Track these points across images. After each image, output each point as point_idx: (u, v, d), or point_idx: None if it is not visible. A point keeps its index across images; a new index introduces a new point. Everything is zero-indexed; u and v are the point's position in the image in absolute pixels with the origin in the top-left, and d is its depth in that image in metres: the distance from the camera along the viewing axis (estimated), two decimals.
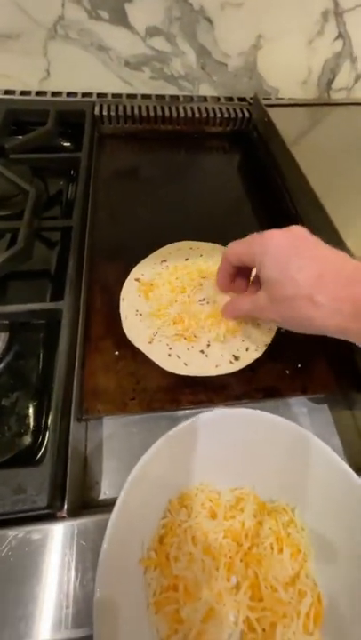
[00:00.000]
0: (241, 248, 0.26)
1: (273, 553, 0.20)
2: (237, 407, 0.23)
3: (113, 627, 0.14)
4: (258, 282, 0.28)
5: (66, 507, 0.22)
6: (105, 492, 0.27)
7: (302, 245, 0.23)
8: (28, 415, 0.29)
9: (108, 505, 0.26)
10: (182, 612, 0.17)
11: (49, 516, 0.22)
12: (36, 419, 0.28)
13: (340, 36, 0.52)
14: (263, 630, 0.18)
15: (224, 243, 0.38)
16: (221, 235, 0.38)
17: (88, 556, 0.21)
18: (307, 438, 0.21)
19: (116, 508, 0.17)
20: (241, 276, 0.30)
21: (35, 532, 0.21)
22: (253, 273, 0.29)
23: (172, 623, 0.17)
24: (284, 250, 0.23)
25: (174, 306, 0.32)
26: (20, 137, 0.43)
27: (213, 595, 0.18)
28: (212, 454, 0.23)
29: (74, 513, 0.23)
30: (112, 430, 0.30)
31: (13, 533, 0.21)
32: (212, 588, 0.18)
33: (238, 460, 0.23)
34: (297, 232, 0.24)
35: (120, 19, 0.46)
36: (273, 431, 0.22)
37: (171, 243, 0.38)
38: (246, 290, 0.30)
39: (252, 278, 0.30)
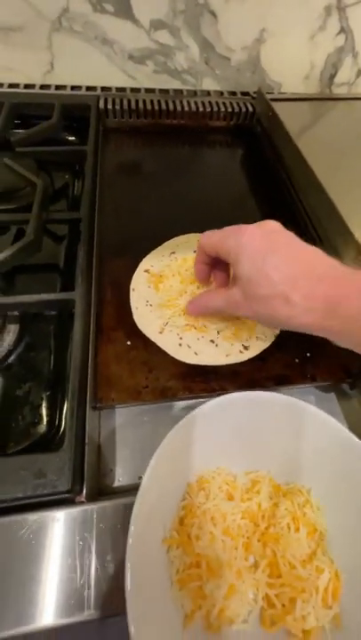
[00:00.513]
0: (216, 239, 0.26)
1: (290, 532, 0.20)
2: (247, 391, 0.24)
3: (143, 604, 0.15)
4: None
5: (85, 491, 0.22)
6: (119, 479, 0.27)
7: (277, 242, 0.23)
8: (41, 405, 0.29)
9: (124, 491, 0.27)
10: (205, 589, 0.18)
11: (68, 501, 0.22)
12: (49, 408, 0.29)
13: (342, 30, 0.52)
14: (283, 606, 0.18)
15: None
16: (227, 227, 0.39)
17: (107, 538, 0.21)
18: (320, 418, 0.21)
19: (139, 492, 0.17)
20: (219, 268, 0.30)
21: (55, 516, 0.21)
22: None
23: (196, 599, 0.18)
24: (259, 247, 0.23)
25: (184, 296, 0.32)
26: (25, 130, 0.43)
27: (233, 573, 0.19)
28: (225, 439, 0.23)
29: (92, 498, 0.23)
30: (124, 419, 0.30)
31: (34, 517, 0.21)
32: (232, 566, 0.19)
33: (253, 443, 0.23)
34: (272, 227, 0.24)
35: (125, 11, 0.46)
36: (283, 411, 0.22)
37: (176, 235, 0.39)
38: (226, 283, 0.30)
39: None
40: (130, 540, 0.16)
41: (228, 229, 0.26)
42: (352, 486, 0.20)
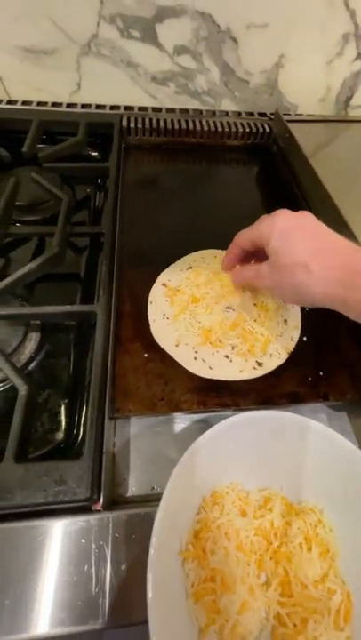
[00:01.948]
0: (252, 231, 0.29)
1: (302, 552, 0.20)
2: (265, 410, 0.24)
3: (164, 613, 0.15)
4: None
5: (102, 500, 0.23)
6: (132, 489, 0.28)
7: (307, 224, 0.26)
8: (59, 412, 0.30)
9: (136, 502, 0.27)
10: (220, 603, 0.18)
11: (85, 509, 0.23)
12: (67, 415, 0.30)
13: (359, 56, 0.54)
14: (294, 625, 0.18)
15: None
16: None
17: (122, 548, 0.22)
18: (333, 438, 0.22)
19: (161, 505, 0.18)
20: (244, 263, 0.33)
21: (72, 523, 0.22)
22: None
23: (210, 613, 0.18)
24: (289, 225, 0.26)
25: (201, 311, 0.33)
26: (52, 146, 0.46)
27: (246, 589, 0.19)
28: (240, 455, 0.23)
29: (107, 507, 0.24)
30: (138, 429, 0.31)
31: (52, 523, 0.22)
32: (245, 582, 0.19)
33: (265, 461, 0.24)
34: (305, 214, 0.27)
35: (150, 38, 0.48)
36: (299, 432, 0.22)
37: (193, 251, 0.40)
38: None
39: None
40: (151, 552, 0.16)
41: (261, 218, 0.28)
42: None
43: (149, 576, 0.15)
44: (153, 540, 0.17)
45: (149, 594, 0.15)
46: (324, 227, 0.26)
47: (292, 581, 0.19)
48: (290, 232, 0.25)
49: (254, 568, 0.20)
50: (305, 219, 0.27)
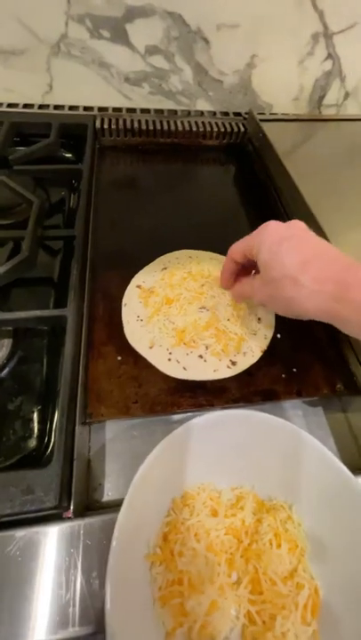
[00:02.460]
0: (243, 243, 0.29)
1: (272, 548, 0.21)
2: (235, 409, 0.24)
3: (123, 622, 0.15)
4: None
5: (72, 507, 0.22)
6: (108, 494, 0.28)
7: (295, 234, 0.25)
8: (32, 419, 0.29)
9: (112, 506, 0.27)
10: (187, 605, 0.18)
11: (55, 517, 0.22)
12: (40, 422, 0.29)
13: (329, 56, 0.55)
14: (263, 622, 0.19)
15: (220, 251, 0.40)
16: (218, 244, 0.40)
17: (94, 555, 0.21)
18: (301, 436, 0.22)
19: (122, 508, 0.18)
20: (243, 276, 0.32)
21: (42, 532, 0.22)
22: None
23: (178, 616, 0.18)
24: (277, 236, 0.25)
25: (175, 312, 0.33)
26: (24, 148, 0.45)
27: (216, 589, 0.19)
28: (212, 455, 0.23)
29: (79, 514, 0.23)
30: (114, 433, 0.31)
31: (21, 534, 0.22)
32: (215, 582, 0.19)
33: (237, 460, 0.24)
34: (294, 224, 0.27)
35: (121, 37, 0.48)
36: (270, 430, 0.23)
37: (169, 251, 0.40)
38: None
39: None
40: (110, 559, 0.16)
41: (253, 233, 0.28)
42: (334, 504, 0.21)
43: (107, 585, 0.15)
44: (113, 544, 0.16)
45: (107, 604, 0.15)
46: (313, 236, 0.26)
47: (261, 578, 0.19)
48: (278, 244, 0.25)
49: (225, 567, 0.20)
50: (293, 229, 0.26)
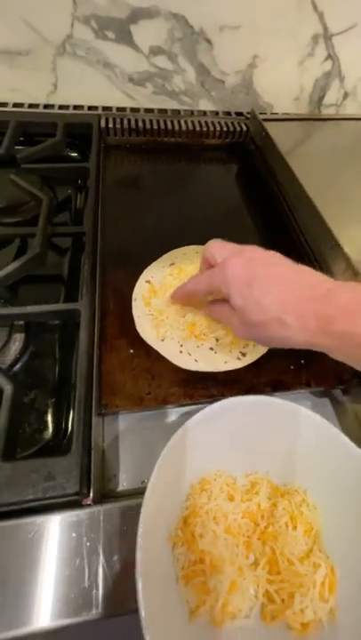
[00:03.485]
0: (204, 283, 0.28)
1: (288, 530, 0.21)
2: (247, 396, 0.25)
3: (153, 598, 0.16)
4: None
5: (92, 494, 0.23)
6: (123, 484, 0.28)
7: (259, 267, 0.24)
8: (47, 412, 0.30)
9: (127, 495, 0.27)
10: (209, 584, 0.19)
11: (75, 504, 0.23)
12: (54, 415, 0.30)
13: (329, 57, 0.56)
14: (282, 601, 0.19)
15: None
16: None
17: (114, 539, 0.22)
18: (315, 421, 0.23)
19: (146, 493, 0.18)
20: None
21: (62, 518, 0.22)
22: None
23: (201, 594, 0.19)
24: (243, 278, 0.24)
25: (184, 306, 0.34)
26: (30, 147, 0.45)
27: (235, 569, 0.20)
28: (225, 442, 0.24)
29: (98, 501, 0.24)
30: (127, 425, 0.31)
31: (43, 520, 0.22)
32: (234, 563, 0.20)
33: (250, 446, 0.24)
34: (251, 254, 0.25)
35: (125, 38, 0.49)
36: (281, 415, 0.23)
37: (175, 247, 0.40)
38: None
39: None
40: (139, 539, 0.17)
41: (211, 270, 0.27)
42: (346, 486, 0.21)
43: (138, 562, 0.16)
44: (140, 526, 0.17)
45: (139, 579, 0.15)
46: (276, 262, 0.25)
47: (278, 559, 0.20)
48: (248, 287, 0.23)
49: (243, 549, 0.21)
50: (254, 263, 0.24)
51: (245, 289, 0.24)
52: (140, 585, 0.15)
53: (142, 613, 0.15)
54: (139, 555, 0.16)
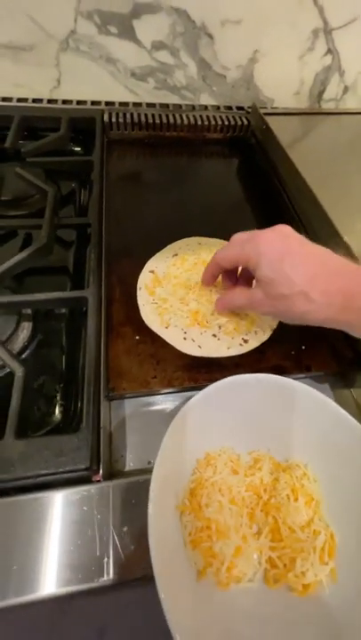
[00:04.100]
0: (234, 252, 0.28)
1: (289, 502, 0.22)
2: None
3: (163, 562, 0.17)
4: (245, 277, 0.31)
5: (101, 471, 0.24)
6: (130, 464, 0.29)
7: (292, 245, 0.25)
8: (55, 397, 0.31)
9: (135, 474, 0.28)
10: (215, 548, 0.20)
11: (86, 480, 0.24)
12: (63, 399, 0.31)
13: (329, 51, 0.56)
14: (284, 565, 0.20)
15: (227, 239, 0.41)
16: (224, 232, 0.41)
17: (123, 512, 0.23)
18: (314, 396, 0.24)
19: (157, 460, 0.19)
20: (225, 274, 0.32)
21: (75, 492, 0.23)
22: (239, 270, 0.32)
23: (207, 557, 0.20)
24: (276, 250, 0.25)
25: (189, 294, 0.35)
26: (35, 142, 0.46)
27: (240, 537, 0.21)
28: (228, 420, 0.25)
29: (107, 479, 0.25)
30: (133, 409, 0.32)
31: (55, 494, 0.23)
32: (239, 531, 0.21)
33: (253, 424, 0.25)
34: (285, 231, 0.26)
35: (128, 33, 0.49)
36: (282, 393, 0.24)
37: (177, 239, 0.41)
38: (232, 284, 0.32)
39: (239, 274, 0.32)
40: (150, 504, 0.18)
41: (239, 240, 0.28)
42: (345, 458, 0.22)
43: (150, 525, 0.17)
44: (151, 493, 0.18)
45: (151, 541, 0.16)
46: (308, 243, 0.26)
47: (281, 527, 0.21)
48: (279, 260, 0.24)
49: (247, 520, 0.22)
50: (289, 240, 0.26)
51: (277, 262, 0.25)
52: (152, 546, 0.16)
53: (155, 573, 0.16)
54: (150, 519, 0.17)
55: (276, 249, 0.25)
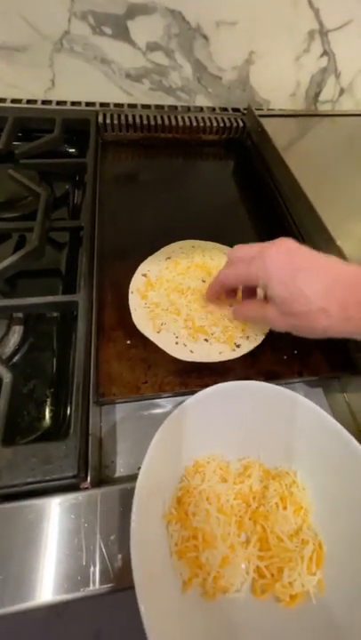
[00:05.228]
0: (239, 272, 0.28)
1: (278, 510, 0.22)
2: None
3: (147, 572, 0.16)
4: (249, 290, 0.31)
5: (89, 478, 0.24)
6: (120, 470, 0.29)
7: (300, 259, 0.25)
8: (45, 401, 0.31)
9: (124, 481, 0.28)
10: (202, 557, 0.20)
11: (74, 487, 0.24)
12: (52, 404, 0.30)
13: (325, 53, 0.56)
14: (272, 575, 0.20)
15: (221, 242, 0.41)
16: (219, 235, 0.42)
17: (111, 520, 0.23)
18: (299, 401, 0.23)
19: (140, 474, 0.19)
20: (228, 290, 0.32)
21: (61, 500, 0.23)
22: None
23: (193, 568, 0.19)
24: (285, 268, 0.24)
25: (181, 298, 0.35)
26: (29, 143, 0.46)
27: (227, 546, 0.20)
28: (218, 427, 0.25)
29: (95, 485, 0.25)
30: (124, 414, 0.32)
31: (42, 502, 0.23)
32: (226, 540, 0.21)
33: (243, 432, 0.25)
34: (290, 246, 0.26)
35: (122, 34, 0.49)
36: (271, 399, 0.24)
37: (172, 242, 0.41)
38: (232, 297, 0.33)
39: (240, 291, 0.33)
40: (133, 515, 0.17)
41: (242, 258, 0.27)
42: (334, 467, 0.22)
43: (132, 536, 0.17)
44: (134, 503, 0.18)
45: (133, 552, 0.16)
46: (314, 254, 0.25)
47: (269, 537, 0.21)
48: (291, 277, 0.24)
49: (235, 528, 0.21)
50: (294, 253, 0.25)
51: (287, 278, 0.24)
52: (134, 556, 0.16)
53: (136, 583, 0.16)
54: (133, 529, 0.17)
55: (286, 267, 0.24)
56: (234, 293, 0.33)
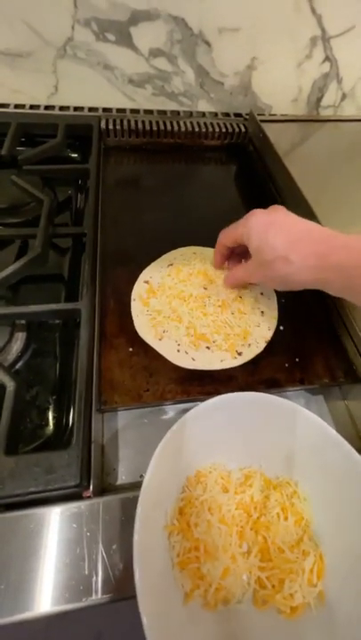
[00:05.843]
0: (232, 231, 0.32)
1: (279, 521, 0.22)
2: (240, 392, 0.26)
3: (149, 583, 0.17)
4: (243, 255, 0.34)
5: (92, 487, 0.24)
6: (122, 478, 0.29)
7: (278, 218, 0.28)
8: (48, 409, 0.31)
9: (126, 489, 0.28)
10: (203, 569, 0.20)
11: (76, 496, 0.24)
12: (55, 411, 0.31)
13: (327, 59, 0.56)
14: (273, 586, 0.20)
15: None
16: None
17: (113, 529, 0.23)
18: (300, 413, 0.24)
19: (143, 485, 0.19)
20: (233, 257, 0.37)
21: (63, 509, 0.23)
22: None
23: (195, 579, 0.20)
24: (263, 223, 0.29)
25: (183, 305, 0.35)
26: (31, 149, 0.46)
27: (228, 557, 0.21)
28: (221, 437, 0.25)
29: (97, 494, 0.25)
30: (126, 422, 0.32)
31: (45, 511, 0.23)
32: (228, 550, 0.21)
33: (245, 441, 0.25)
34: (276, 208, 0.30)
35: (125, 40, 0.49)
36: (272, 410, 0.24)
37: (174, 247, 0.41)
38: (237, 262, 0.36)
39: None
40: (136, 526, 0.17)
41: (240, 220, 0.31)
42: (335, 478, 0.22)
43: (135, 548, 0.17)
44: (137, 515, 0.18)
45: (136, 564, 0.16)
46: (294, 218, 0.29)
47: (270, 547, 0.21)
48: (265, 230, 0.28)
49: (236, 539, 0.21)
50: (275, 214, 0.29)
51: (262, 232, 0.28)
52: (137, 569, 0.16)
53: (139, 596, 0.16)
54: (136, 541, 0.17)
55: (263, 221, 0.29)
56: (238, 260, 0.36)
